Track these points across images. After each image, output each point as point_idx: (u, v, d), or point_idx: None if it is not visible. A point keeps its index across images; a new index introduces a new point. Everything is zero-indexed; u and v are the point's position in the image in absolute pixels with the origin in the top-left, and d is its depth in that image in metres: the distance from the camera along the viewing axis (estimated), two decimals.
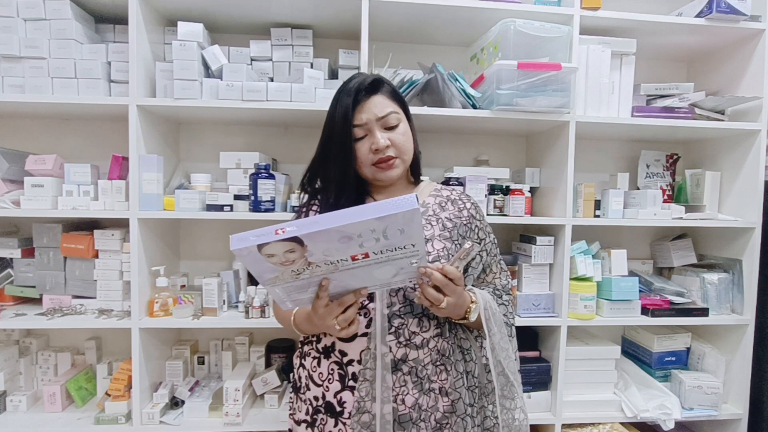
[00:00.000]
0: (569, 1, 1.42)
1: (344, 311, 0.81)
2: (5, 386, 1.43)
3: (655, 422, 1.50)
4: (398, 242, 0.71)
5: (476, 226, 1.01)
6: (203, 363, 1.60)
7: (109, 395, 1.39)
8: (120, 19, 1.42)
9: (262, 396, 1.47)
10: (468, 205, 1.02)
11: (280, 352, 1.58)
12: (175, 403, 1.44)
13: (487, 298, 0.94)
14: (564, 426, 1.50)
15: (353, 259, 0.72)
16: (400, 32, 1.57)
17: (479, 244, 1.00)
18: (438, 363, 0.92)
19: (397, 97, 0.98)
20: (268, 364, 1.58)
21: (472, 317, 0.89)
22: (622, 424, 1.52)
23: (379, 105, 0.93)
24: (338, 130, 0.92)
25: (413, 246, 0.73)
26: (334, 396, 0.91)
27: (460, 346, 0.96)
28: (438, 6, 1.36)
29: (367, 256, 0.72)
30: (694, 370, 1.64)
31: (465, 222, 0.99)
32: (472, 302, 0.90)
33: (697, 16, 1.48)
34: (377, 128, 0.93)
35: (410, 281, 0.84)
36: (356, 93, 0.92)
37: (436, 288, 0.82)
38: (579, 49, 1.43)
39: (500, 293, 1.02)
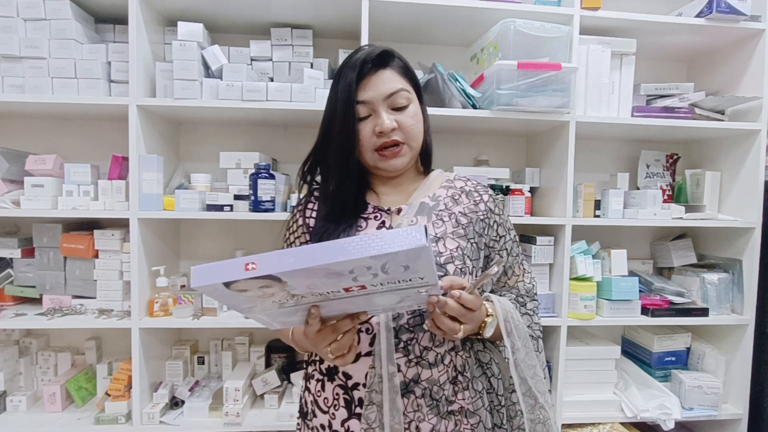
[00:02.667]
0: (569, 1, 1.42)
1: (339, 338, 0.69)
2: (5, 386, 1.43)
3: (655, 422, 1.49)
4: (402, 276, 0.59)
5: (495, 221, 0.88)
6: (203, 363, 1.60)
7: (109, 395, 1.39)
8: (120, 19, 1.41)
9: (262, 396, 1.47)
10: (485, 197, 0.89)
11: (280, 352, 1.58)
12: (175, 403, 1.44)
13: (508, 308, 0.81)
14: (564, 426, 1.50)
15: (347, 290, 0.61)
16: (400, 32, 1.57)
17: (498, 242, 0.89)
18: (456, 381, 0.80)
19: (409, 74, 0.85)
20: (268, 364, 1.58)
21: (487, 333, 0.78)
22: (622, 424, 1.52)
23: (388, 81, 0.81)
24: (340, 109, 0.81)
25: (421, 279, 0.61)
26: (341, 425, 0.80)
27: (478, 359, 0.84)
28: (438, 6, 1.36)
29: (363, 287, 0.60)
30: (694, 370, 1.64)
31: (482, 217, 0.87)
32: (488, 315, 0.78)
33: (697, 16, 1.48)
34: (383, 108, 0.81)
35: (419, 306, 0.73)
36: (362, 66, 0.80)
37: (452, 316, 0.71)
38: (579, 49, 1.43)
39: (524, 300, 0.90)
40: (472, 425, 0.80)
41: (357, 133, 0.82)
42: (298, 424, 0.92)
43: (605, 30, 1.49)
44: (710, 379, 1.55)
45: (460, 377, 0.80)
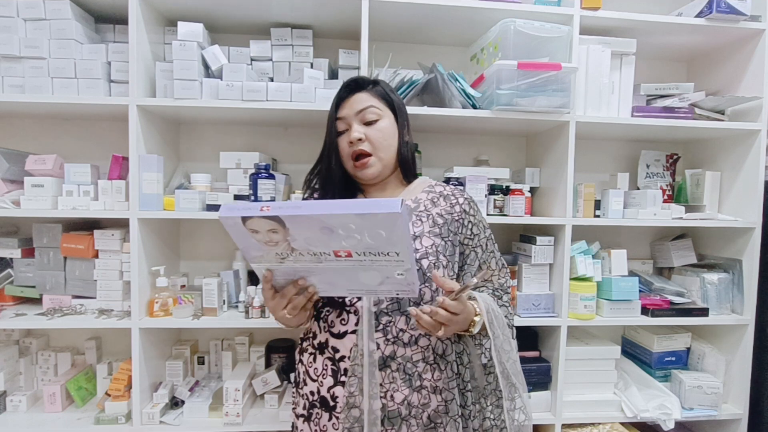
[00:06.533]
0: (569, 1, 1.42)
1: (290, 302, 0.83)
2: (5, 386, 1.43)
3: (655, 422, 1.50)
4: (382, 246, 0.71)
5: (469, 221, 1.00)
6: (203, 363, 1.60)
7: (109, 395, 1.39)
8: (120, 19, 1.42)
9: (262, 396, 1.47)
10: (461, 200, 1.01)
11: (280, 352, 1.58)
12: (175, 403, 1.44)
13: (489, 301, 0.93)
14: (564, 426, 1.50)
15: (336, 254, 0.73)
16: (400, 32, 1.57)
17: (472, 240, 1.00)
18: (431, 361, 0.93)
19: (383, 96, 1.00)
20: (268, 364, 1.58)
21: (474, 331, 0.89)
22: (622, 424, 1.52)
23: (360, 101, 0.97)
24: (328, 127, 0.99)
25: (397, 254, 0.72)
26: (328, 391, 0.93)
27: (451, 348, 0.96)
28: (438, 6, 1.36)
29: (350, 255, 0.73)
30: (694, 370, 1.64)
31: (457, 218, 0.98)
32: (477, 314, 0.88)
33: (697, 16, 1.48)
34: (355, 122, 0.96)
35: (397, 293, 0.82)
36: (341, 90, 0.99)
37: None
38: (579, 49, 1.43)
39: (500, 294, 1.02)
40: (446, 400, 0.93)
41: (337, 145, 0.98)
42: (293, 393, 1.06)
43: (605, 30, 1.49)
44: (710, 379, 1.55)
45: (431, 358, 0.93)
